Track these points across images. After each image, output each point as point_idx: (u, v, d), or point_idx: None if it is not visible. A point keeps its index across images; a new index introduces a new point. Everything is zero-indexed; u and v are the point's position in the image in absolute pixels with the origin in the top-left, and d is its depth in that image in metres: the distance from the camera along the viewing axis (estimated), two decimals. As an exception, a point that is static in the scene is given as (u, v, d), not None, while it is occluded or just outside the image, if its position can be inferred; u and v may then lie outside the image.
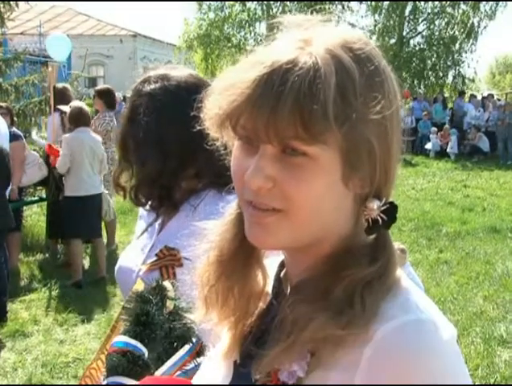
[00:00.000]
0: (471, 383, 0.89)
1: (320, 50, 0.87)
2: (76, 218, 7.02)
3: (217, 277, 1.03)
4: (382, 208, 0.91)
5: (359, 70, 0.87)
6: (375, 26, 28.39)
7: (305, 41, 0.89)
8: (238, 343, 1.04)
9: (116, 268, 1.95)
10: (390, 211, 0.92)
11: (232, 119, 0.89)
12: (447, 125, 20.53)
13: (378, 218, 0.91)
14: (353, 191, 0.90)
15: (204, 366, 1.16)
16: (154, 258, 1.76)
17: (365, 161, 0.88)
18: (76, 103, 7.78)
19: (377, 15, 28.49)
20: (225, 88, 0.89)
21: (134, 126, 1.82)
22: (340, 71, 0.86)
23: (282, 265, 1.04)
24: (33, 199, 8.61)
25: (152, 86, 1.81)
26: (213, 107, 0.92)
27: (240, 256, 1.02)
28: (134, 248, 1.94)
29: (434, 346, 0.83)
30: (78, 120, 6.98)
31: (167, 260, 1.73)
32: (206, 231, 1.06)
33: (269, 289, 1.05)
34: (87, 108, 7.18)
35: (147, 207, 1.87)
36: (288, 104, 0.83)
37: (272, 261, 1.07)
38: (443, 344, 0.85)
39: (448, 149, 19.22)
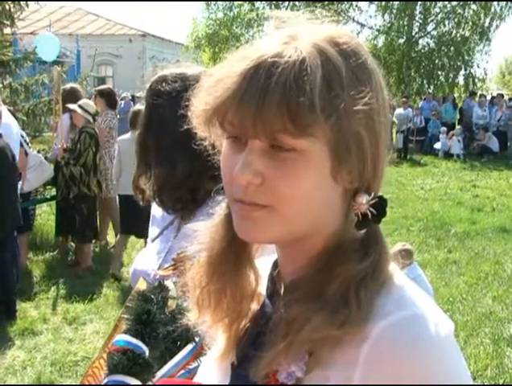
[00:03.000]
0: (469, 378, 0.88)
1: (306, 44, 0.87)
2: (128, 216, 7.16)
3: (209, 278, 1.02)
4: (371, 202, 0.91)
5: (345, 63, 0.87)
6: (384, 25, 28.33)
7: (291, 36, 0.89)
8: (234, 345, 1.03)
9: (131, 271, 1.93)
10: (380, 204, 0.92)
11: (219, 115, 0.89)
12: (459, 126, 20.47)
13: (368, 212, 0.91)
14: (341, 186, 0.90)
15: (201, 369, 1.15)
16: (172, 262, 1.75)
17: (353, 154, 0.88)
18: (85, 101, 7.82)
19: (386, 15, 28.44)
20: (212, 85, 0.90)
21: (156, 128, 1.79)
22: (326, 64, 0.86)
23: (275, 265, 1.03)
24: (43, 197, 8.64)
25: (172, 86, 1.78)
26: (200, 104, 0.92)
27: (230, 256, 1.02)
28: (149, 251, 1.91)
29: (431, 341, 0.83)
30: (131, 122, 7.16)
31: (185, 265, 1.71)
32: (197, 232, 1.06)
33: (262, 289, 1.05)
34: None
35: (170, 210, 1.84)
36: (275, 97, 0.83)
37: (265, 261, 1.06)
38: (441, 339, 0.84)
39: (451, 150, 19.11)
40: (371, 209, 0.91)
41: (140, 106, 7.35)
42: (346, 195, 0.92)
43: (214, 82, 0.89)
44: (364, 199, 0.91)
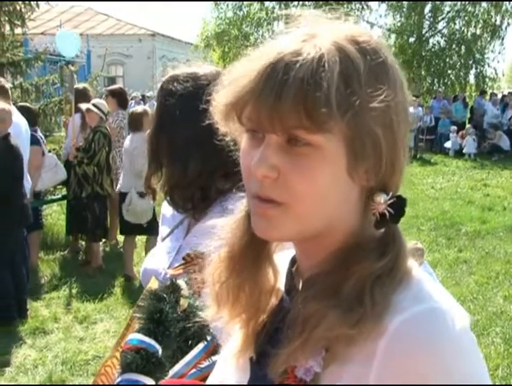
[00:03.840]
0: (486, 372, 0.88)
1: (325, 42, 0.87)
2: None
3: (228, 274, 1.03)
4: (389, 202, 0.91)
5: (364, 61, 0.87)
6: (395, 24, 28.26)
7: (310, 34, 0.90)
8: (252, 341, 1.03)
9: (141, 270, 1.92)
10: (398, 204, 0.91)
11: (237, 110, 0.90)
12: (469, 125, 20.36)
13: (386, 212, 0.91)
14: (358, 184, 0.90)
15: (218, 365, 1.15)
16: (182, 262, 1.75)
17: (369, 151, 0.87)
18: (99, 100, 7.86)
19: (396, 14, 28.35)
20: (232, 81, 0.91)
21: (168, 127, 1.78)
22: (345, 60, 0.86)
23: (293, 261, 1.04)
24: (53, 197, 8.68)
25: (183, 85, 1.78)
26: (220, 100, 0.93)
27: (250, 252, 1.02)
28: (159, 250, 1.91)
29: (448, 335, 0.83)
30: (130, 124, 7.21)
31: (195, 264, 1.71)
32: (217, 229, 1.06)
33: (280, 284, 1.05)
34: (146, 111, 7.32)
35: (181, 209, 1.83)
36: (291, 92, 0.83)
37: (283, 256, 1.07)
38: (458, 332, 0.84)
39: (464, 150, 19.00)
40: (389, 209, 0.91)
41: (136, 107, 7.37)
42: (363, 194, 0.92)
43: (233, 78, 0.91)
44: (382, 199, 0.91)
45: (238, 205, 1.05)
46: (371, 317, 0.84)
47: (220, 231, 1.06)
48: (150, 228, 6.87)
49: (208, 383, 1.14)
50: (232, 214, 1.06)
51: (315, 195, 0.87)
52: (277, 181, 0.88)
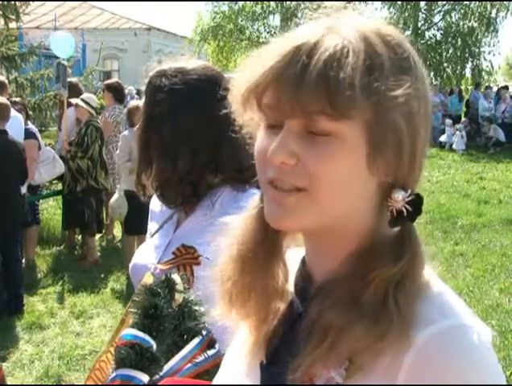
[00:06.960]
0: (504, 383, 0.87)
1: (349, 31, 0.86)
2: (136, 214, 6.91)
3: (239, 272, 1.00)
4: (407, 199, 0.88)
5: (388, 52, 0.86)
6: (390, 17, 28.21)
7: (334, 24, 0.88)
8: (261, 342, 1.00)
9: (130, 265, 1.92)
10: (416, 202, 0.89)
11: (257, 94, 0.88)
12: (464, 119, 20.35)
13: (403, 209, 0.88)
14: (376, 178, 0.87)
15: (224, 365, 1.12)
16: (171, 256, 1.73)
17: (390, 143, 0.85)
18: (88, 95, 7.83)
19: (391, 7, 28.29)
20: (252, 66, 0.89)
21: (157, 123, 1.77)
22: (369, 49, 0.85)
23: (304, 261, 1.01)
24: (49, 192, 8.66)
25: (171, 80, 1.76)
26: (240, 85, 0.91)
27: (262, 251, 1.00)
28: (148, 245, 1.91)
29: (475, 352, 0.83)
30: (128, 119, 7.11)
31: (185, 259, 1.70)
32: (228, 226, 1.03)
33: (290, 286, 1.02)
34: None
35: (172, 205, 1.82)
36: (314, 75, 0.81)
37: (293, 254, 1.04)
38: (484, 349, 0.84)
39: (453, 146, 18.95)
40: (406, 206, 0.88)
41: (135, 102, 7.31)
42: (381, 190, 0.90)
43: (255, 63, 0.89)
44: (400, 196, 0.88)
45: (250, 202, 1.03)
46: (398, 328, 0.82)
47: (232, 228, 1.03)
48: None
49: (214, 383, 1.12)
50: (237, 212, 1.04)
51: (334, 184, 0.85)
52: (295, 168, 0.86)
